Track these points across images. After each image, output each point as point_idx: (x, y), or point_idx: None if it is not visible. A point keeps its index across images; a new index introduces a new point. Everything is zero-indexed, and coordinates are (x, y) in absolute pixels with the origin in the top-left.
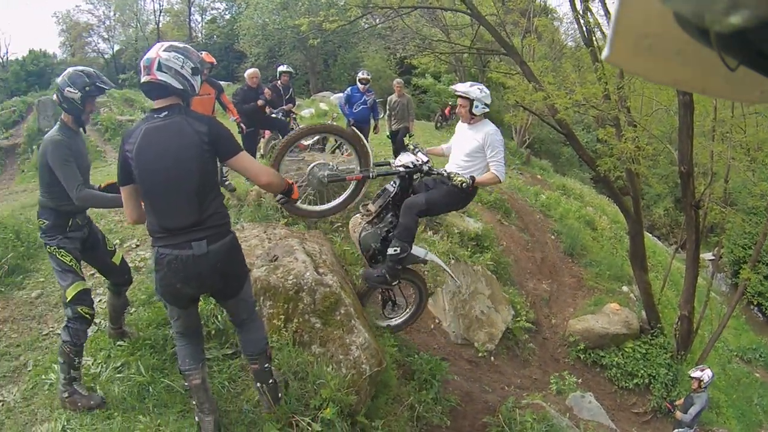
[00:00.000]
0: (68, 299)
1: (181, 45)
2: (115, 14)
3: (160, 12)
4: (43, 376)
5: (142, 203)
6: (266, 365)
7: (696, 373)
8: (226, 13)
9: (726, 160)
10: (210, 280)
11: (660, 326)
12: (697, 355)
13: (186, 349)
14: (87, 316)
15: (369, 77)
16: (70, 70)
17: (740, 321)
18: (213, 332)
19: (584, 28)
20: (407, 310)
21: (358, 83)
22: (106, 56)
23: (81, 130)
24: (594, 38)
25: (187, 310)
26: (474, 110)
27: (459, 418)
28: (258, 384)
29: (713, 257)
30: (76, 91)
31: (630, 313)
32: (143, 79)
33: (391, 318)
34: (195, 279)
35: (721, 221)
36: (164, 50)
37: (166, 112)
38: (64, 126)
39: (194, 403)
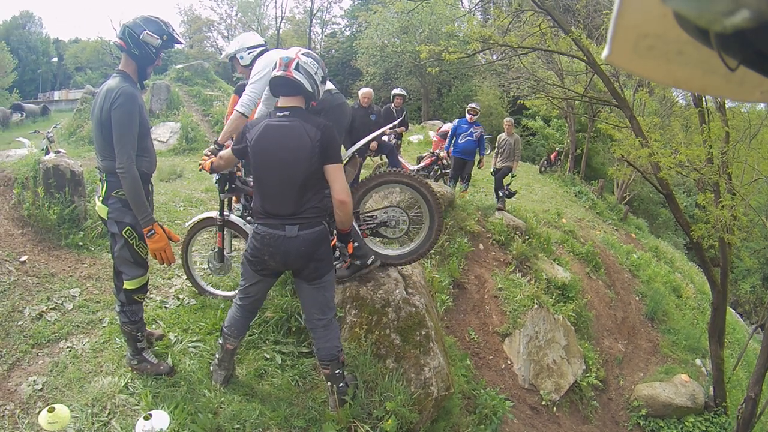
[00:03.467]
0: (129, 289)
1: (316, 55)
2: (237, 14)
3: (282, 19)
4: (117, 336)
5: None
6: (338, 371)
7: None
8: (347, 29)
9: None
10: (293, 259)
11: (725, 405)
12: None
13: (239, 319)
14: (140, 300)
15: (478, 108)
16: (143, 14)
17: None
18: (294, 329)
19: None
20: (413, 225)
21: (466, 114)
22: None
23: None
24: (704, 99)
25: (262, 282)
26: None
27: None
28: (329, 383)
29: None
30: (157, 37)
31: (698, 387)
32: (278, 73)
33: (402, 240)
34: (281, 255)
35: None
36: (303, 54)
37: (288, 113)
38: (128, 78)
39: (217, 357)
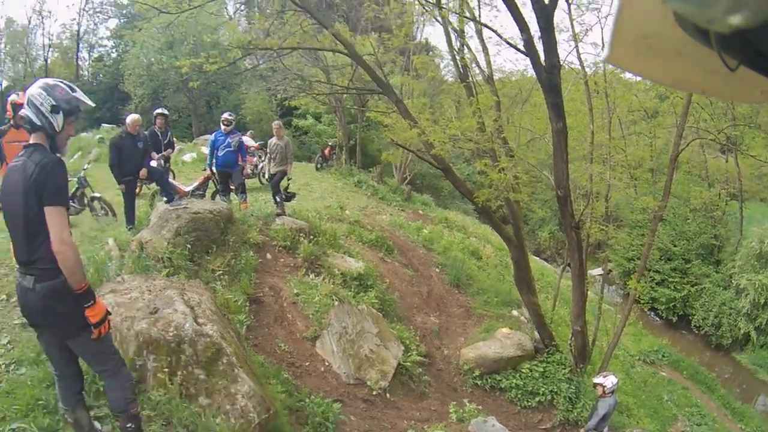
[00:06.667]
0: None
1: (54, 82)
2: (5, 47)
3: (49, 47)
4: None
5: None
6: (129, 425)
7: (598, 379)
8: (113, 51)
9: (606, 180)
10: (34, 314)
11: (555, 344)
12: (597, 366)
13: (61, 391)
14: None
15: (232, 118)
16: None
17: (638, 327)
18: (102, 389)
19: (459, 64)
20: None
21: (221, 125)
22: None
23: None
24: (469, 73)
25: (42, 339)
26: None
27: None
28: None
29: (602, 272)
30: None
31: (522, 336)
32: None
33: None
34: (25, 308)
35: (605, 238)
36: (37, 86)
37: (28, 150)
38: None
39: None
